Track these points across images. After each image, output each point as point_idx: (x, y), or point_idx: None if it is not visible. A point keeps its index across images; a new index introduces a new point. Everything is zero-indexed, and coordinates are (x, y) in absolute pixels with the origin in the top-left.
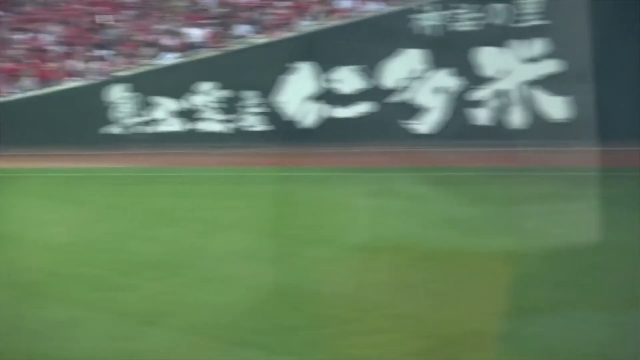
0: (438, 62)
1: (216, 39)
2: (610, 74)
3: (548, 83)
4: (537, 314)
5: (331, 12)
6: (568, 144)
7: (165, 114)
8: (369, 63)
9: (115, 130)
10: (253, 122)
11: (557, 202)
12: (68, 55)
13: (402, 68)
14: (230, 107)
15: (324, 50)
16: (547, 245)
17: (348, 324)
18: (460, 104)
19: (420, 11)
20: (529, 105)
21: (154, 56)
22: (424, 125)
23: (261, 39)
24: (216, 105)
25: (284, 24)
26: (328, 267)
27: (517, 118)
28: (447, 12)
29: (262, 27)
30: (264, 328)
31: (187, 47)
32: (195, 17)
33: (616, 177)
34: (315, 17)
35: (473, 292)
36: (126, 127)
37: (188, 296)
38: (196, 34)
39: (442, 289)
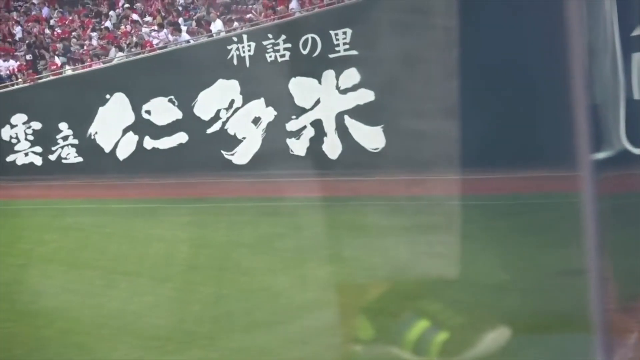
0: (252, 92)
1: (28, 70)
2: (425, 102)
3: (362, 113)
4: None
5: (143, 44)
6: (382, 173)
7: None
8: (184, 94)
9: None
10: (68, 154)
11: (370, 232)
12: None
13: (217, 99)
14: (44, 139)
15: (138, 81)
16: (371, 275)
17: (169, 355)
18: (275, 134)
19: (234, 42)
20: (345, 134)
21: None
22: (239, 155)
23: (74, 70)
24: (30, 137)
25: (97, 54)
26: (144, 299)
27: (331, 148)
28: (262, 43)
29: (74, 58)
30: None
31: None
32: (6, 48)
33: (430, 206)
34: (128, 49)
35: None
36: None
37: (7, 331)
38: (6, 65)
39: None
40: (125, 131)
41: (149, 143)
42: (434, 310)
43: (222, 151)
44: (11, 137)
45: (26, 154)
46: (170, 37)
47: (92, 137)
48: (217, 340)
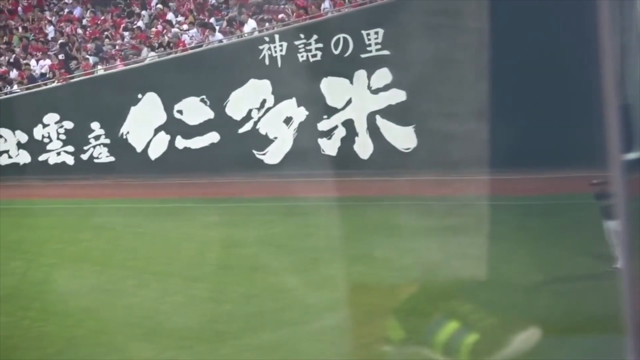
0: (284, 92)
1: (60, 70)
2: (457, 103)
3: (394, 113)
4: None
5: (176, 43)
6: (413, 173)
7: (9, 146)
8: (216, 93)
9: None
10: (100, 153)
11: (401, 232)
12: None
13: (248, 98)
14: (76, 138)
15: (170, 81)
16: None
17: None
18: (306, 133)
19: (266, 42)
20: (376, 134)
21: None
22: (270, 155)
23: (107, 70)
24: (62, 136)
25: (129, 54)
26: (176, 299)
27: (363, 147)
28: (293, 43)
29: (107, 58)
30: None
31: (31, 78)
32: (39, 48)
33: (461, 206)
34: (160, 48)
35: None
36: None
37: (38, 330)
38: (40, 64)
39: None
40: (157, 131)
41: (180, 143)
42: (465, 312)
43: (253, 151)
44: (43, 137)
45: (58, 154)
46: (203, 37)
47: (124, 137)
48: (248, 339)
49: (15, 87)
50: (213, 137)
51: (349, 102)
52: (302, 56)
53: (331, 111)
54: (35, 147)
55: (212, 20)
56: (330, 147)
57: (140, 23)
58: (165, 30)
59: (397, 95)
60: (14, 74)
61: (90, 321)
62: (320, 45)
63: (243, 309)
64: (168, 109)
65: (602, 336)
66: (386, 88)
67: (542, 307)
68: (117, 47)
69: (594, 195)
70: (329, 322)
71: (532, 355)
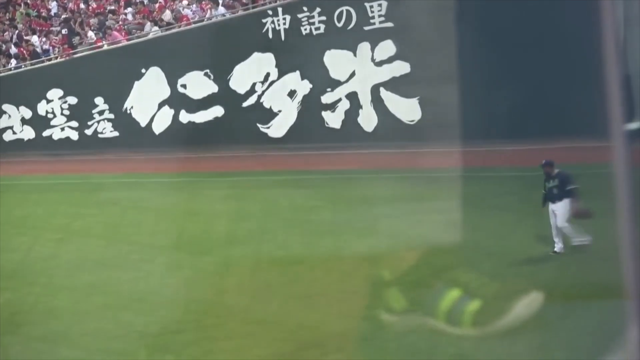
0: (288, 65)
1: (63, 45)
2: (462, 74)
3: (398, 85)
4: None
5: (179, 18)
6: (418, 145)
7: (13, 122)
8: (219, 67)
9: None
10: (104, 128)
11: (410, 203)
12: None
13: (252, 72)
14: (80, 113)
15: (174, 56)
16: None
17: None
18: (310, 106)
19: (269, 15)
20: (380, 107)
21: (0, 64)
22: (275, 128)
23: (109, 45)
24: (66, 112)
25: (132, 29)
26: (182, 273)
27: (367, 120)
28: (297, 16)
29: (109, 33)
30: (120, 335)
31: (35, 54)
32: (42, 24)
33: (465, 177)
34: (161, 23)
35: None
36: None
37: (44, 305)
38: (43, 40)
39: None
40: (161, 105)
41: (184, 117)
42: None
43: (257, 124)
44: (47, 112)
45: (62, 129)
46: (203, 13)
47: (128, 112)
48: (255, 313)
49: (18, 63)
50: (217, 111)
51: (352, 74)
52: (305, 29)
53: (335, 84)
54: (40, 122)
55: None
56: (334, 119)
57: None
58: (168, 5)
59: (401, 68)
60: (16, 50)
61: (97, 296)
62: (323, 18)
63: (250, 282)
64: (172, 83)
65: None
66: (390, 60)
67: (545, 276)
68: (120, 22)
69: (544, 176)
70: (335, 294)
71: (535, 322)
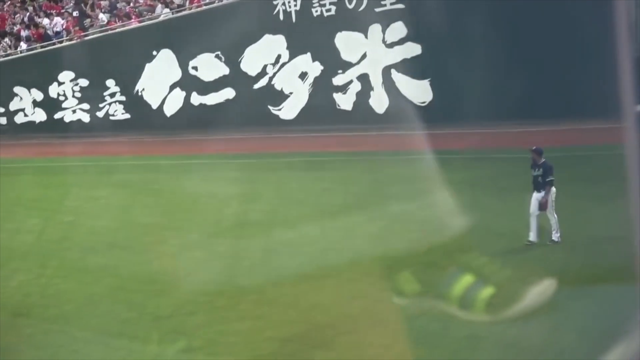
0: (299, 47)
1: (75, 28)
2: (472, 55)
3: (409, 66)
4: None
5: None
6: (429, 127)
7: (25, 105)
8: (230, 49)
9: None
10: (115, 110)
11: (422, 185)
12: None
13: (263, 54)
14: (91, 96)
15: (185, 38)
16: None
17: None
18: (321, 88)
19: None
20: (391, 88)
21: (12, 46)
22: (286, 110)
23: (120, 27)
24: (77, 94)
25: (143, 11)
26: (194, 254)
27: (378, 102)
28: None
29: (120, 15)
30: (132, 317)
31: (46, 36)
32: (53, 6)
33: (476, 159)
34: (172, 5)
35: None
36: None
37: (56, 287)
38: (54, 23)
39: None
40: (172, 87)
41: (196, 99)
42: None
43: (269, 106)
44: (59, 95)
45: (74, 111)
46: None
47: (139, 94)
48: (267, 294)
49: (29, 45)
50: (228, 93)
51: (363, 56)
52: (316, 11)
53: (346, 66)
54: (51, 105)
55: None
56: (345, 101)
57: None
58: None
59: (413, 49)
60: (28, 32)
61: (109, 278)
62: (334, 0)
63: (262, 264)
64: (183, 65)
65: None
66: (401, 42)
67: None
68: (131, 4)
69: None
70: (348, 275)
71: (547, 306)
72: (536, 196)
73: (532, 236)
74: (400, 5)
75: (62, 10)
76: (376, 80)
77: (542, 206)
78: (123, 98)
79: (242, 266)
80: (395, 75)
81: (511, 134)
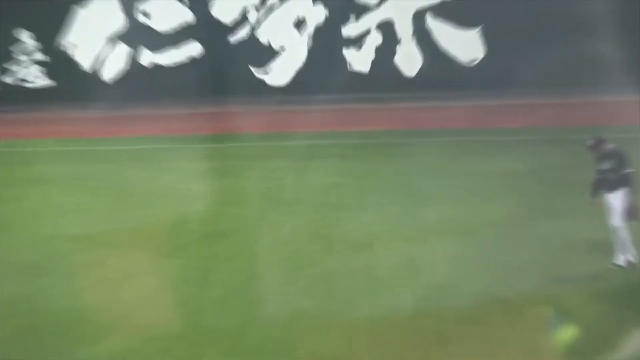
0: None
1: None
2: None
3: (451, 10)
4: None
5: None
6: (479, 97)
7: None
8: None
9: None
10: (32, 74)
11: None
12: None
13: None
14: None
15: None
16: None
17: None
18: (326, 42)
19: None
20: (426, 41)
21: None
22: (275, 73)
23: None
24: None
25: None
26: (141, 281)
27: (407, 60)
28: None
29: None
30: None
31: None
32: None
33: (537, 143)
34: None
35: None
36: None
37: None
38: None
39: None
40: (112, 41)
41: (146, 57)
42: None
43: (250, 67)
44: None
45: None
46: None
47: (67, 51)
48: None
49: None
50: (193, 48)
51: None
52: None
53: (361, 10)
54: None
55: None
56: (360, 60)
57: None
58: None
59: None
60: None
61: (17, 316)
62: None
63: (240, 293)
64: (128, 10)
65: None
66: None
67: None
68: None
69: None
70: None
71: None
72: (613, 199)
73: (620, 258)
74: None
75: None
76: (405, 30)
77: (631, 212)
78: (44, 57)
79: (211, 297)
80: (432, 22)
81: (588, 106)
